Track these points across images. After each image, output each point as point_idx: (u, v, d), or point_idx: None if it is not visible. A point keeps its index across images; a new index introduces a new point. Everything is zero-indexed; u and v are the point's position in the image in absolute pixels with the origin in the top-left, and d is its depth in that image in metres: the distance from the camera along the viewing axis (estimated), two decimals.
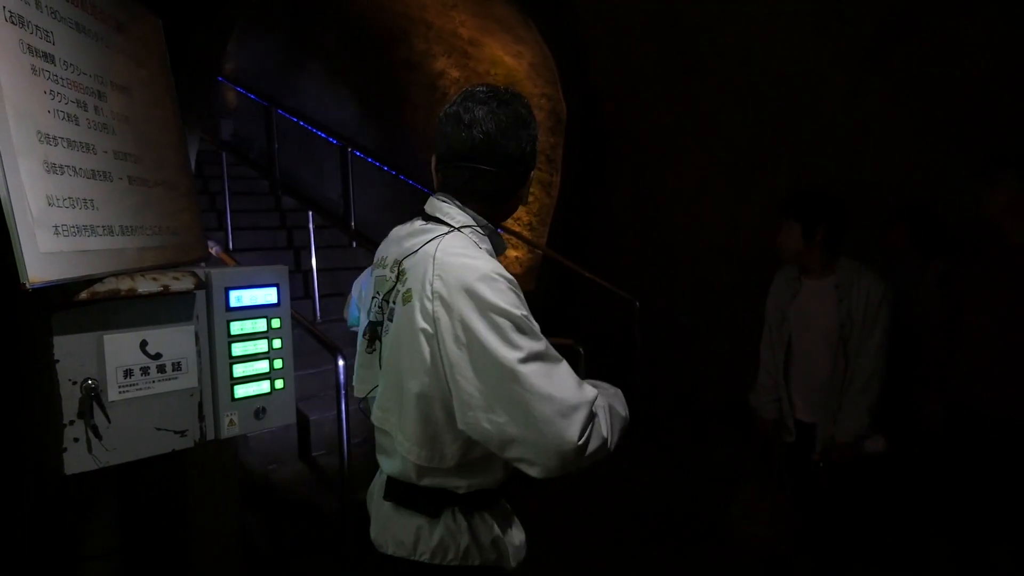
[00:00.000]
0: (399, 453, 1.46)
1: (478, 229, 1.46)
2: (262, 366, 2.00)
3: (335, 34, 7.42)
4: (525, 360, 1.27)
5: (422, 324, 1.35)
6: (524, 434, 1.27)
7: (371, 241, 5.69)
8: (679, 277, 5.45)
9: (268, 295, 2.02)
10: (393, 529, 1.51)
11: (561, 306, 5.91)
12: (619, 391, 1.56)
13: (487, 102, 1.45)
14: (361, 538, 3.34)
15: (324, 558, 3.37)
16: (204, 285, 1.88)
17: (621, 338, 5.26)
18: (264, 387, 2.01)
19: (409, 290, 1.39)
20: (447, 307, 1.31)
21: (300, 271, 5.44)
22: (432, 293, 1.33)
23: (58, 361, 1.60)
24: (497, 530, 1.49)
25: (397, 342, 1.43)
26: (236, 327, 1.94)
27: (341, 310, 5.14)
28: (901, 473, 3.14)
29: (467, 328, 1.29)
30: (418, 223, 1.52)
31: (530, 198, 6.19)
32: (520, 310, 1.31)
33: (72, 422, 1.62)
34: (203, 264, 2.23)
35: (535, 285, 6.10)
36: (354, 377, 1.69)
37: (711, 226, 5.21)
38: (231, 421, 1.94)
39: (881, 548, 3.10)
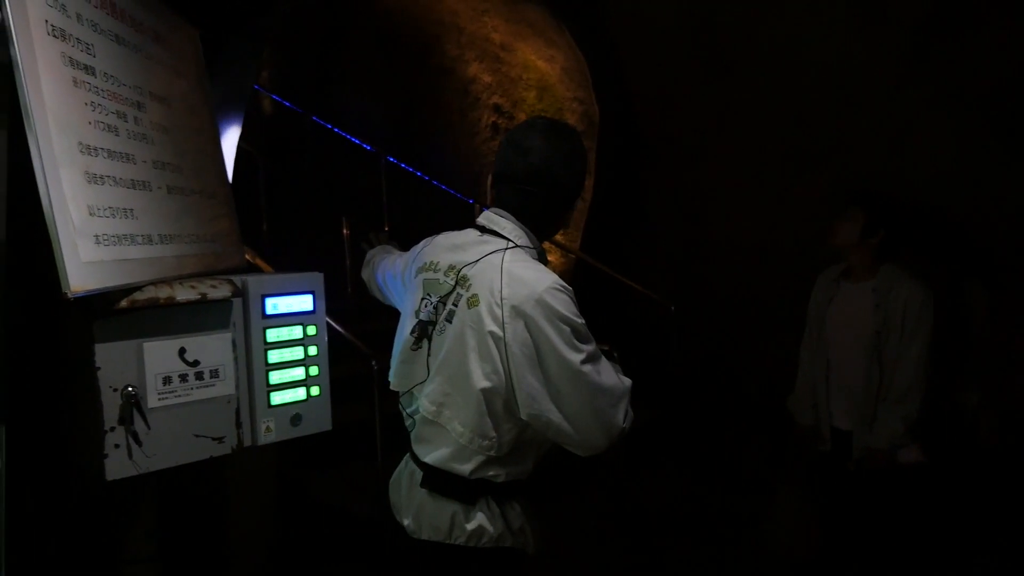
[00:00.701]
0: (450, 442, 1.59)
1: (530, 246, 1.64)
2: (298, 373, 2.01)
3: (369, 41, 7.48)
4: (585, 361, 1.48)
5: (491, 327, 1.50)
6: (583, 422, 1.49)
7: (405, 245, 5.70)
8: (715, 281, 5.38)
9: (303, 302, 2.03)
10: (428, 515, 1.64)
11: (596, 310, 5.85)
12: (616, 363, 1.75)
13: (546, 133, 1.62)
14: (395, 542, 3.36)
15: (358, 563, 3.38)
16: (241, 293, 1.89)
17: (657, 342, 5.20)
18: (300, 394, 2.02)
19: (475, 296, 1.54)
20: (517, 313, 1.48)
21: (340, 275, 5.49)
22: (501, 300, 1.50)
23: (99, 368, 1.62)
24: (523, 518, 1.65)
25: (461, 342, 1.56)
26: (272, 334, 1.96)
27: (376, 314, 5.17)
28: (944, 485, 3.05)
29: (537, 332, 1.48)
30: (474, 234, 1.67)
31: None
32: (580, 318, 1.51)
33: (113, 428, 1.64)
34: (240, 272, 2.25)
35: None
36: (392, 372, 1.78)
37: (748, 229, 5.13)
38: (267, 428, 1.96)
39: (917, 562, 3.01)
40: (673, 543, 3.75)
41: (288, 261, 5.17)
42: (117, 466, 1.65)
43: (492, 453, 1.56)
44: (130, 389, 1.66)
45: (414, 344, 1.66)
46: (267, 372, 1.95)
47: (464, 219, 1.63)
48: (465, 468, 1.58)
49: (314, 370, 2.05)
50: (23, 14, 1.38)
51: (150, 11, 2.05)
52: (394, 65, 7.43)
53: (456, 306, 1.58)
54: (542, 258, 1.68)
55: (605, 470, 4.23)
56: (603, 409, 1.49)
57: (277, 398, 1.97)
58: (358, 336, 3.64)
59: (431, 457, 1.64)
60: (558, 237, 6.06)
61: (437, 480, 1.63)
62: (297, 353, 2.01)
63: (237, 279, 1.91)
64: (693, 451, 4.74)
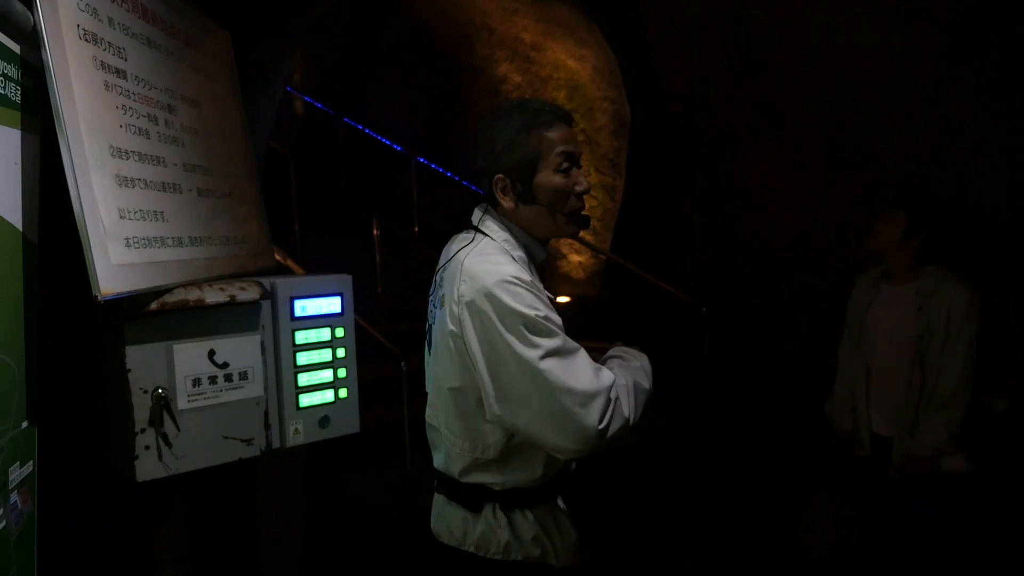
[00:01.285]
0: (444, 446, 1.57)
1: (510, 238, 1.55)
2: (326, 375, 2.01)
3: (399, 42, 7.51)
4: (544, 356, 1.37)
5: (450, 327, 1.45)
6: (549, 423, 1.38)
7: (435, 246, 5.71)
8: (748, 282, 5.30)
9: (332, 304, 2.02)
10: (446, 519, 1.61)
11: (626, 312, 5.82)
12: (644, 359, 1.66)
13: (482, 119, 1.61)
14: (425, 543, 3.35)
15: (388, 563, 3.38)
16: (269, 295, 1.89)
17: (688, 344, 5.14)
18: (328, 396, 2.02)
19: (443, 295, 1.50)
20: (470, 311, 1.41)
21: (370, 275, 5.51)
22: (458, 298, 1.43)
23: (130, 370, 1.64)
24: (539, 529, 1.55)
25: (436, 344, 1.54)
26: (301, 336, 1.96)
27: (406, 314, 5.19)
28: (992, 495, 2.96)
29: (488, 329, 1.39)
30: (463, 232, 1.63)
31: (593, 202, 6.12)
32: (535, 311, 1.39)
33: (143, 430, 1.65)
34: (270, 273, 2.25)
35: (599, 290, 6.03)
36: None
37: (782, 230, 5.04)
38: (296, 430, 1.96)
39: (959, 571, 2.93)
40: (706, 548, 3.70)
41: (319, 262, 5.20)
42: (147, 467, 1.66)
43: (478, 456, 1.51)
44: (160, 391, 1.67)
45: (428, 349, 1.65)
46: (296, 374, 1.95)
47: None
48: (456, 470, 1.55)
49: (342, 372, 2.05)
50: (55, 19, 1.39)
51: (182, 14, 2.06)
52: (425, 66, 7.45)
53: (436, 308, 1.56)
54: (532, 247, 1.59)
55: (636, 473, 4.18)
56: (570, 409, 1.36)
57: (305, 400, 1.97)
58: (388, 337, 3.64)
59: (436, 461, 1.64)
60: (589, 237, 6.02)
61: (446, 485, 1.62)
62: (325, 355, 2.01)
63: (266, 281, 1.91)
64: (726, 454, 4.67)
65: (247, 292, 1.82)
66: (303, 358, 1.97)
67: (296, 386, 1.95)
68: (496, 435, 1.48)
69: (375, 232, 5.72)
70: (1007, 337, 2.95)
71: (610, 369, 1.51)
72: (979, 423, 2.95)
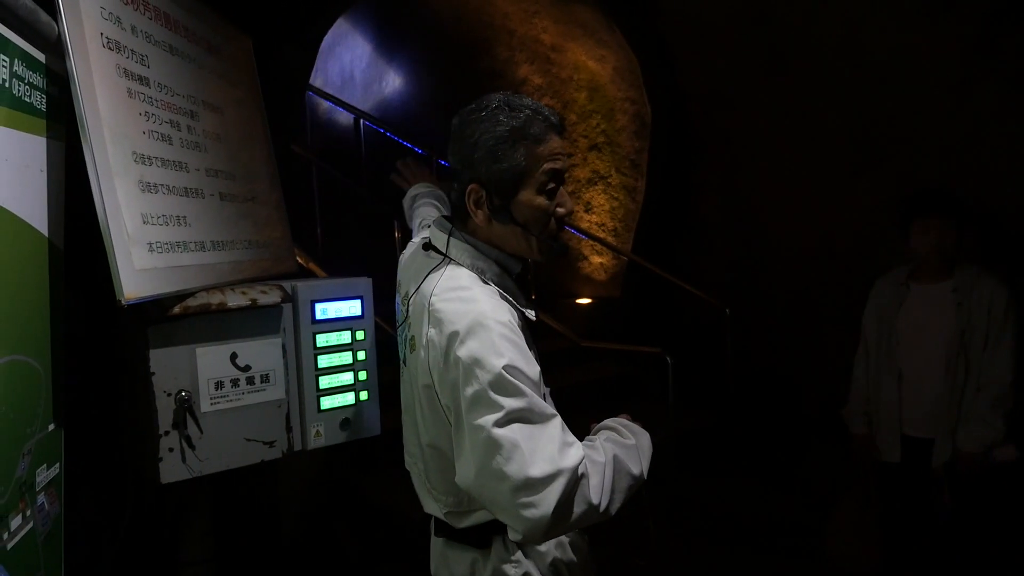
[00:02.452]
0: (430, 499, 1.45)
1: (478, 257, 1.36)
2: (347, 378, 2.02)
3: (419, 45, 7.54)
4: (501, 423, 1.15)
5: (423, 379, 1.30)
6: (499, 502, 1.17)
7: None
8: (772, 283, 5.24)
9: (352, 307, 2.03)
10: (450, 565, 1.47)
11: (648, 314, 5.79)
12: (645, 438, 1.41)
13: (459, 113, 1.40)
14: None
15: (412, 566, 3.39)
16: (291, 298, 1.91)
17: (711, 346, 5.10)
18: (349, 398, 2.03)
19: (414, 338, 1.34)
20: (440, 360, 1.24)
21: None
22: (427, 343, 1.27)
23: (154, 373, 1.66)
24: (555, 553, 1.42)
25: (411, 391, 1.40)
26: (322, 339, 1.97)
27: None
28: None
29: (453, 384, 1.22)
30: (420, 253, 1.46)
31: (614, 203, 6.10)
32: (502, 360, 1.17)
33: (167, 433, 1.67)
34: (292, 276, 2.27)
35: (621, 292, 6.00)
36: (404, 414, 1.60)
37: (806, 230, 4.98)
38: (317, 432, 1.97)
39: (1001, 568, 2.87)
40: (729, 551, 3.67)
41: (341, 264, 5.23)
42: (171, 469, 1.68)
43: (465, 508, 1.38)
44: (183, 394, 1.68)
45: (401, 371, 1.51)
46: (317, 377, 1.96)
47: None
48: (442, 515, 1.42)
49: (363, 375, 2.06)
50: (79, 27, 1.41)
51: (204, 21, 2.08)
52: (445, 69, 7.47)
53: (405, 345, 1.40)
54: (505, 261, 1.38)
55: (657, 475, 4.15)
56: (518, 489, 1.13)
57: (327, 403, 1.98)
58: None
59: (426, 507, 1.49)
60: (610, 239, 6.00)
61: (444, 529, 1.46)
62: (346, 358, 2.02)
63: (287, 284, 1.92)
64: (750, 457, 4.62)
65: (268, 295, 1.83)
66: (324, 361, 1.98)
67: (317, 388, 1.96)
68: None
69: (397, 235, 5.73)
70: None
71: (592, 444, 1.30)
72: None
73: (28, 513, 1.35)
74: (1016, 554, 2.87)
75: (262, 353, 1.84)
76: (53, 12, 1.37)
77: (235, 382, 1.79)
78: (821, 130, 4.74)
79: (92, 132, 1.38)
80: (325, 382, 1.98)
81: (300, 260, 3.20)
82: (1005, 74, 3.79)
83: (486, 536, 1.39)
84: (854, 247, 4.50)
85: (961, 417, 2.56)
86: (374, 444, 2.18)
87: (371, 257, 6.07)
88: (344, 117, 7.58)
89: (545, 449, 1.15)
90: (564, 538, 1.45)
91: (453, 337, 1.21)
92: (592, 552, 1.55)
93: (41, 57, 1.40)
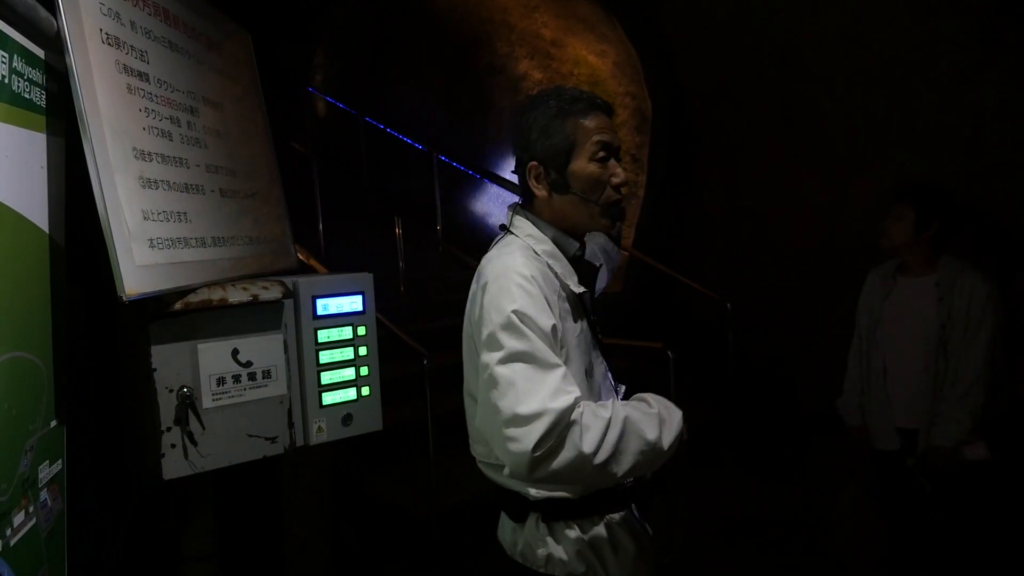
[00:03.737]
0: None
1: (535, 232, 1.49)
2: (349, 373, 2.02)
3: (419, 41, 7.53)
4: (503, 360, 1.25)
5: (466, 327, 1.45)
6: (492, 436, 1.29)
7: (458, 244, 5.72)
8: (773, 278, 5.24)
9: (354, 303, 2.03)
10: (503, 527, 1.57)
11: (649, 309, 5.78)
12: (676, 415, 1.42)
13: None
14: (450, 544, 3.36)
15: (415, 562, 3.39)
16: (292, 294, 1.91)
17: (712, 341, 5.09)
18: (351, 394, 2.03)
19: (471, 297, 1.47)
20: (475, 308, 1.39)
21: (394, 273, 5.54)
22: (471, 297, 1.42)
23: (155, 370, 1.66)
24: (585, 543, 1.43)
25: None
26: (323, 335, 1.97)
27: (430, 312, 5.20)
28: (1012, 483, 2.92)
29: (476, 329, 1.36)
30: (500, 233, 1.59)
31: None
32: (513, 304, 1.27)
33: (169, 428, 1.67)
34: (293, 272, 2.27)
35: (622, 287, 5.99)
36: None
37: (808, 225, 4.97)
38: (319, 428, 1.97)
39: (984, 561, 2.88)
40: (731, 545, 3.67)
41: (342, 260, 5.23)
42: (173, 465, 1.68)
43: (494, 461, 1.44)
44: (185, 390, 1.68)
45: None
46: (318, 372, 1.97)
47: None
48: (492, 478, 1.49)
49: (365, 370, 2.06)
50: (78, 23, 1.41)
51: (204, 17, 2.08)
52: (445, 64, 7.46)
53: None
54: (561, 240, 1.48)
55: (660, 470, 4.16)
56: (506, 422, 1.22)
57: (328, 398, 1.98)
58: (411, 335, 3.65)
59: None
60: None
61: (496, 493, 1.54)
62: (348, 353, 2.02)
63: (288, 280, 1.92)
64: (751, 451, 4.63)
65: (270, 291, 1.83)
66: (326, 356, 1.98)
67: (319, 384, 1.96)
68: None
69: (397, 231, 5.73)
70: None
71: (605, 404, 1.32)
72: (1008, 411, 2.93)
73: (31, 509, 1.35)
74: (998, 547, 2.88)
75: (264, 349, 1.84)
76: (52, 8, 1.37)
77: (237, 378, 1.79)
78: (822, 125, 4.73)
79: (92, 128, 1.38)
80: (327, 378, 1.98)
81: (301, 256, 3.20)
82: (1007, 70, 3.78)
83: (522, 510, 1.46)
84: (855, 242, 4.49)
85: (936, 413, 2.59)
86: (376, 439, 2.19)
87: (372, 253, 6.08)
88: (344, 113, 7.57)
89: (539, 391, 1.22)
90: (603, 533, 1.45)
91: (484, 287, 1.35)
92: (647, 554, 1.52)
93: (41, 53, 1.40)
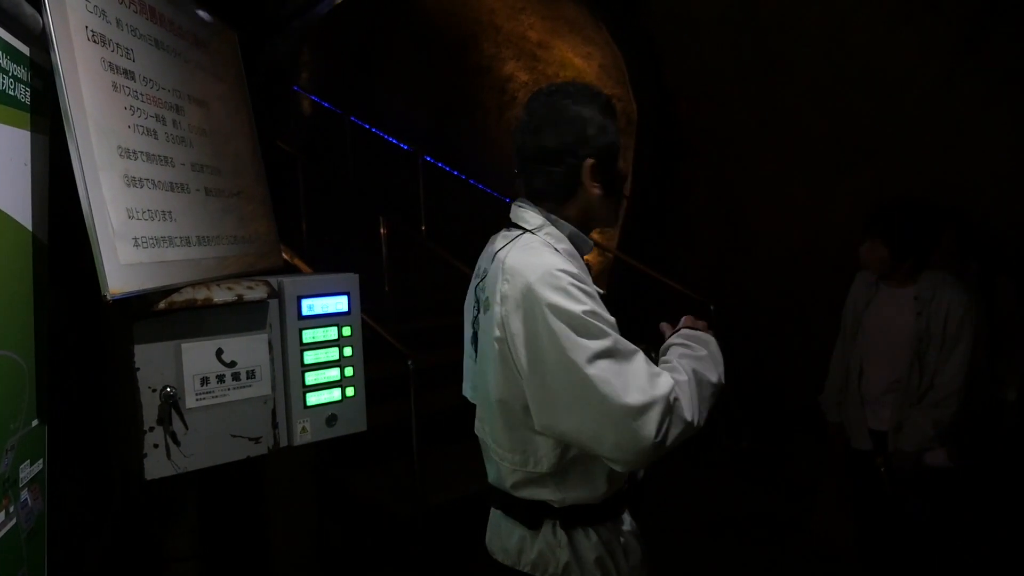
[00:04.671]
0: (493, 461, 1.47)
1: (552, 230, 1.44)
2: (333, 374, 2.02)
3: (406, 41, 7.52)
4: (592, 359, 1.23)
5: (496, 332, 1.34)
6: (598, 434, 1.25)
7: (443, 244, 5.72)
8: (756, 280, 5.28)
9: (339, 303, 2.03)
10: (501, 536, 1.50)
11: (634, 309, 5.80)
12: (713, 343, 1.51)
13: (530, 103, 1.47)
14: (436, 545, 3.36)
15: (399, 562, 3.39)
16: (277, 294, 1.90)
17: (705, 323, 5.12)
18: (336, 394, 2.03)
19: (488, 298, 1.39)
20: (514, 311, 1.30)
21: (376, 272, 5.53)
22: (500, 298, 1.33)
23: (139, 369, 1.65)
24: (603, 549, 1.43)
25: (483, 353, 1.43)
26: (308, 335, 1.97)
27: (414, 313, 5.20)
28: (978, 487, 2.99)
29: (531, 330, 1.28)
30: (503, 231, 1.51)
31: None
32: (582, 306, 1.26)
33: (152, 428, 1.66)
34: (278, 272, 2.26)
35: (607, 288, 6.02)
36: (468, 386, 1.61)
37: (791, 228, 5.02)
38: (303, 428, 1.96)
39: (946, 561, 2.95)
40: (712, 543, 3.70)
41: (326, 260, 5.22)
42: (156, 465, 1.67)
43: (530, 470, 1.39)
44: (168, 390, 1.68)
45: (474, 355, 1.52)
46: (303, 373, 1.96)
47: (501, 218, 1.55)
48: (508, 485, 1.44)
49: (349, 371, 2.06)
50: (64, 20, 1.40)
51: (189, 15, 2.07)
52: (432, 65, 7.46)
53: (480, 311, 1.45)
54: (577, 239, 1.46)
55: (645, 469, 4.18)
56: (620, 422, 1.22)
57: (313, 399, 1.98)
58: (395, 335, 3.65)
59: (489, 475, 1.53)
60: (595, 235, 6.00)
61: (501, 499, 1.50)
62: (332, 354, 2.02)
63: (273, 280, 1.92)
64: (734, 451, 4.66)
65: (254, 291, 1.83)
66: (310, 357, 1.97)
67: (303, 384, 1.96)
68: (548, 447, 1.36)
69: (382, 231, 5.72)
70: (1010, 330, 2.98)
71: (669, 363, 1.40)
72: (992, 415, 2.99)
73: (11, 510, 1.34)
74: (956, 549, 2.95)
75: (248, 349, 1.84)
76: (37, 5, 1.36)
77: (221, 378, 1.78)
78: (806, 128, 4.78)
79: (77, 126, 1.37)
80: (311, 378, 1.98)
81: (286, 255, 3.19)
82: (987, 75, 3.84)
83: (537, 517, 1.42)
84: (838, 243, 4.53)
85: (903, 417, 2.65)
86: (360, 440, 2.19)
87: (357, 252, 6.07)
88: (330, 112, 7.55)
89: (635, 380, 1.24)
90: (618, 540, 1.47)
91: (528, 288, 1.28)
92: (648, 558, 1.53)
93: (25, 50, 1.39)
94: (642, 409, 1.22)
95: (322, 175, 7.27)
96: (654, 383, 1.26)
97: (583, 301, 1.27)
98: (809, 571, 3.35)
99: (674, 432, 1.26)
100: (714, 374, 1.42)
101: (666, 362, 1.42)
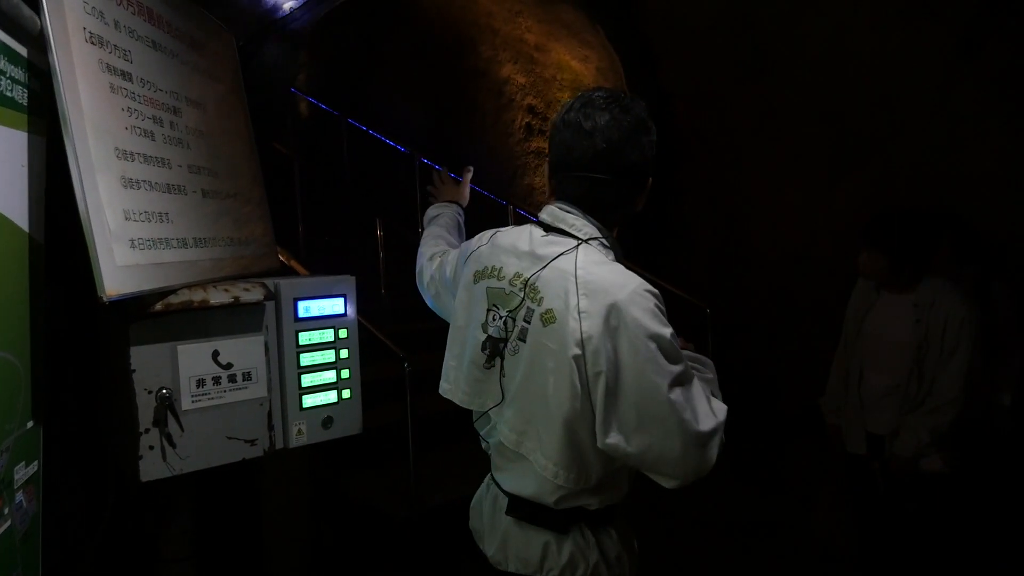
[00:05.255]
0: (533, 474, 1.41)
1: (604, 241, 1.42)
2: (329, 376, 2.02)
3: (403, 43, 7.52)
4: (671, 385, 1.26)
5: (573, 349, 1.29)
6: (666, 456, 1.28)
7: None
8: (753, 283, 5.29)
9: (336, 305, 2.03)
10: (516, 546, 1.47)
11: None
12: (711, 366, 1.55)
13: (608, 108, 1.39)
14: (431, 547, 3.35)
15: (395, 564, 3.38)
16: (273, 296, 1.90)
17: (693, 346, 5.13)
18: (332, 397, 2.03)
19: (551, 311, 1.33)
20: (596, 328, 1.27)
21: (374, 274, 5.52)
22: (579, 314, 1.29)
23: (135, 371, 1.64)
24: (621, 545, 1.47)
25: (540, 366, 1.35)
26: (304, 337, 1.96)
27: (410, 315, 5.19)
28: (973, 492, 3.00)
29: (620, 350, 1.27)
30: (537, 233, 1.45)
31: None
32: (667, 328, 1.29)
33: (147, 430, 1.66)
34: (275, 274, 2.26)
35: None
36: (461, 390, 1.54)
37: (788, 231, 5.04)
38: (299, 430, 1.96)
39: (943, 565, 2.96)
40: (709, 547, 3.70)
41: (323, 263, 5.21)
42: (151, 467, 1.67)
43: (581, 486, 1.38)
44: (164, 391, 1.67)
45: (486, 362, 1.45)
46: (299, 375, 1.96)
47: (498, 221, 1.54)
48: (550, 499, 1.41)
49: (345, 373, 2.06)
50: (61, 22, 1.40)
51: (187, 17, 2.07)
52: (428, 67, 7.46)
53: (528, 323, 1.37)
54: (616, 249, 1.45)
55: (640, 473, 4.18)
56: (692, 448, 1.26)
57: (309, 401, 1.98)
58: (392, 337, 3.65)
59: (513, 486, 1.48)
60: None
61: (524, 509, 1.46)
62: (329, 356, 2.02)
63: (270, 282, 1.92)
64: (730, 455, 4.67)
65: (251, 293, 1.82)
66: (306, 359, 1.97)
67: (299, 387, 1.96)
68: (601, 462, 1.36)
69: (379, 233, 5.72)
70: (1005, 335, 3.00)
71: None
72: (988, 420, 3.01)
73: (6, 511, 1.34)
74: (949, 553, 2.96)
75: (244, 351, 1.83)
76: (36, 6, 1.36)
77: (217, 380, 1.78)
78: (803, 132, 4.79)
79: (74, 127, 1.37)
80: (307, 380, 1.98)
81: (282, 257, 3.19)
82: (984, 78, 3.85)
83: (566, 522, 1.43)
84: (834, 247, 4.55)
85: (901, 423, 2.67)
86: (356, 442, 2.19)
87: (353, 254, 6.06)
88: (327, 114, 7.55)
89: (701, 406, 1.30)
90: (625, 535, 1.51)
91: (614, 307, 1.27)
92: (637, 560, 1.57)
93: (23, 51, 1.39)
94: (711, 435, 1.29)
95: (319, 177, 7.27)
96: (716, 410, 1.33)
97: (668, 324, 1.30)
98: (807, 573, 3.36)
99: (719, 453, 1.33)
100: (716, 385, 1.48)
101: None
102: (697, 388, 1.32)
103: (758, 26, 4.76)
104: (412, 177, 6.57)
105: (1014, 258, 3.51)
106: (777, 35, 4.70)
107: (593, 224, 1.42)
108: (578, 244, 1.38)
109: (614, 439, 1.29)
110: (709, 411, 1.31)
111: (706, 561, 3.59)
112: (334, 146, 7.53)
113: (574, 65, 6.22)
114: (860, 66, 4.35)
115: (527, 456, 1.40)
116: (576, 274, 1.31)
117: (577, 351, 1.28)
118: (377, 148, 7.25)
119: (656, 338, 1.26)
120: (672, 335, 1.29)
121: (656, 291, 1.33)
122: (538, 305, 1.35)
